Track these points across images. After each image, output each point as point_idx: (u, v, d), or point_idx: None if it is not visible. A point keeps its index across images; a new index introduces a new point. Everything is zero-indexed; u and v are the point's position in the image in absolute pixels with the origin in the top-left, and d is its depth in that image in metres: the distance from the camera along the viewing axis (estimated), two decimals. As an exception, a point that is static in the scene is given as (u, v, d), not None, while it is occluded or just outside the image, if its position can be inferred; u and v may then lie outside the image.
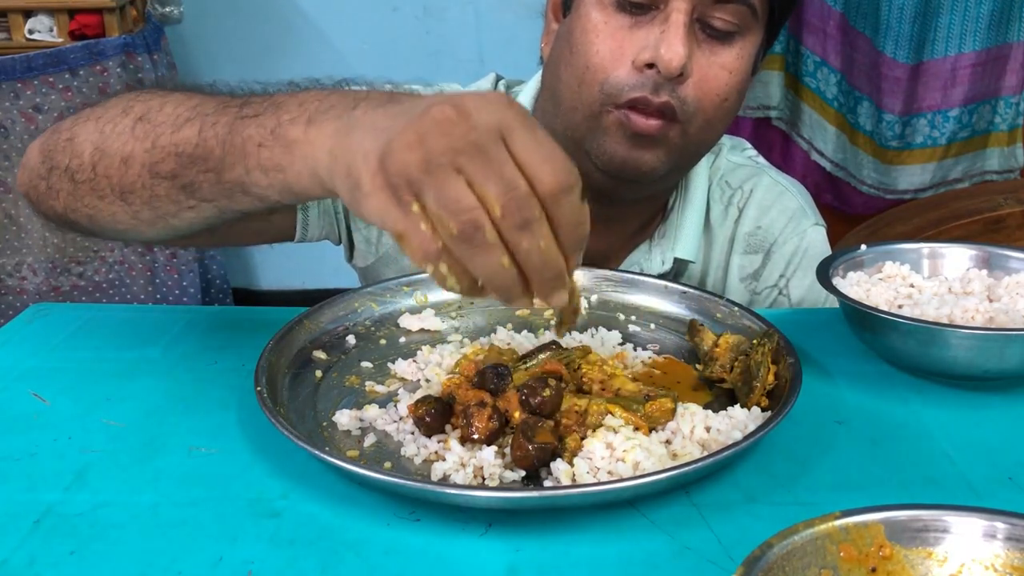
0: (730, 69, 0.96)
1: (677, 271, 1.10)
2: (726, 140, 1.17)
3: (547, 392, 0.73)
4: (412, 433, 0.75)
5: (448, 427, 0.74)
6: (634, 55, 0.93)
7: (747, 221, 1.12)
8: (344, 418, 0.77)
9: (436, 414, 0.74)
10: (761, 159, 1.17)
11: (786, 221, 1.11)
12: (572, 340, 0.88)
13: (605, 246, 1.09)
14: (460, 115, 0.57)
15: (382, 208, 0.59)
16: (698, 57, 0.94)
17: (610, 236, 1.09)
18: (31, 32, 2.49)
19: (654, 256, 1.09)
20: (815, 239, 1.12)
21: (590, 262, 1.00)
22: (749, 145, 1.19)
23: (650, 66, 0.92)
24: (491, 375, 0.75)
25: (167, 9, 2.64)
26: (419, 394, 0.79)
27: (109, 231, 0.84)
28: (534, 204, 0.57)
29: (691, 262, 1.10)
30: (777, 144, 2.75)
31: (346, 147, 0.62)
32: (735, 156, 1.15)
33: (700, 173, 1.11)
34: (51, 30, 2.50)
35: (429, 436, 0.73)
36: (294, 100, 0.69)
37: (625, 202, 1.05)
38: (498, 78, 1.16)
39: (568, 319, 0.68)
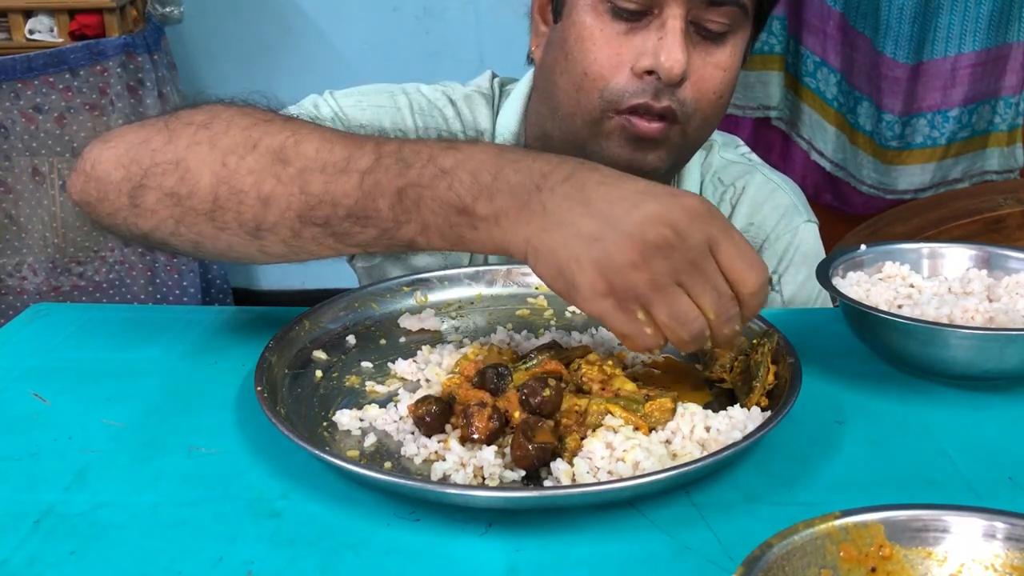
0: (724, 68, 0.97)
1: None
2: (718, 137, 1.17)
3: (547, 392, 0.73)
4: (412, 433, 0.75)
5: (448, 427, 0.74)
6: (632, 61, 0.94)
7: (739, 218, 1.12)
8: (344, 418, 0.77)
9: (436, 414, 0.74)
10: (754, 156, 1.18)
11: (778, 218, 1.12)
12: (572, 340, 0.88)
13: None
14: (677, 235, 0.66)
15: (606, 313, 0.68)
16: (694, 59, 0.95)
17: None
18: (31, 32, 2.49)
19: None
20: (807, 236, 1.12)
21: None
22: (741, 142, 1.20)
23: (649, 72, 0.93)
24: (491, 375, 0.75)
25: (167, 9, 2.64)
26: (419, 394, 0.79)
27: (213, 256, 0.83)
28: (735, 304, 0.70)
29: None
30: (777, 144, 2.75)
31: (549, 247, 0.69)
32: (727, 153, 1.15)
33: (692, 170, 1.11)
34: (51, 30, 2.50)
35: (429, 436, 0.73)
36: (463, 170, 0.72)
37: None
38: (493, 76, 1.17)
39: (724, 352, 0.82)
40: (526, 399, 0.73)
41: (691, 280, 0.68)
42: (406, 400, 0.78)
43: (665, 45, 0.92)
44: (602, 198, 0.69)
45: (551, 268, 0.69)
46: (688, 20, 0.93)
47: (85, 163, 0.83)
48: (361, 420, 0.77)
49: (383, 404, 0.79)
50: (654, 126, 0.95)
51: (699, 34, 0.95)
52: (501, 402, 0.74)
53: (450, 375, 0.80)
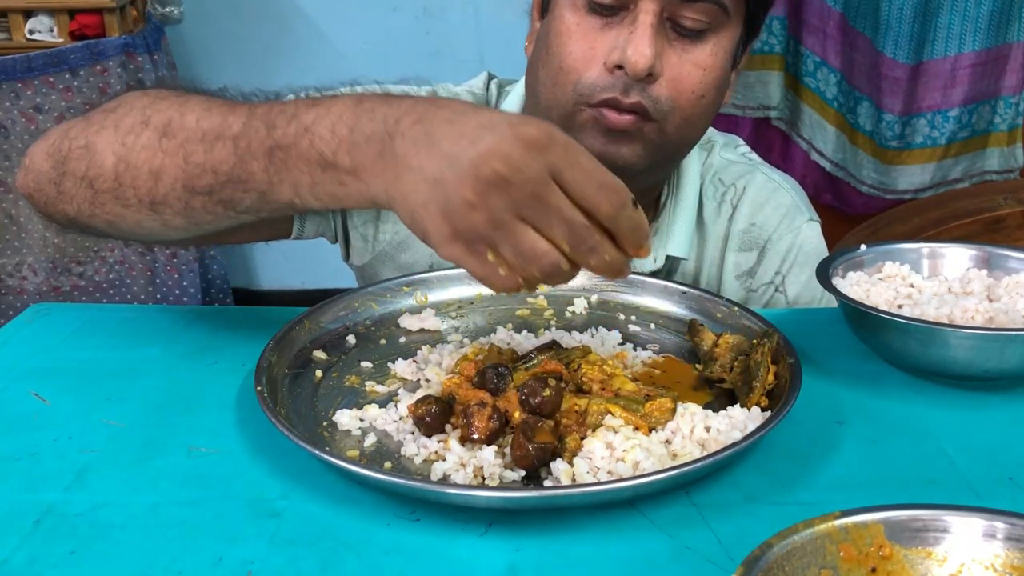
0: (704, 66, 0.96)
1: (670, 268, 1.10)
2: (719, 137, 1.17)
3: (547, 392, 0.73)
4: (412, 433, 0.75)
5: (448, 427, 0.74)
6: (605, 56, 0.94)
7: (741, 218, 1.12)
8: (344, 418, 0.77)
9: (436, 414, 0.74)
10: (754, 156, 1.17)
11: (780, 218, 1.11)
12: (572, 340, 0.88)
13: None
14: (511, 169, 0.63)
15: (456, 257, 0.65)
16: (669, 56, 0.94)
17: None
18: (31, 32, 2.49)
19: None
20: (810, 235, 1.12)
21: None
22: (742, 142, 1.19)
23: (620, 67, 0.93)
24: (491, 375, 0.75)
25: (167, 9, 2.64)
26: (419, 394, 0.79)
27: (129, 235, 0.86)
28: (594, 231, 0.65)
29: (683, 259, 1.10)
30: (777, 144, 2.75)
31: (402, 194, 0.66)
32: (728, 153, 1.15)
33: (692, 170, 1.11)
34: (51, 30, 2.50)
35: (429, 436, 0.73)
36: (323, 125, 0.71)
37: None
38: (490, 77, 1.17)
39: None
40: (526, 399, 0.73)
41: (533, 213, 0.64)
42: (406, 400, 0.78)
43: (633, 40, 0.92)
44: (446, 136, 0.66)
45: (407, 216, 0.67)
46: (664, 17, 0.93)
47: (25, 158, 0.88)
48: (361, 420, 0.77)
49: (383, 404, 0.79)
50: (624, 118, 0.94)
51: (676, 31, 0.95)
52: (501, 402, 0.74)
53: (450, 375, 0.80)
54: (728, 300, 0.91)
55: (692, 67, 0.95)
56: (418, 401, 0.75)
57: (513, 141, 0.63)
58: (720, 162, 1.14)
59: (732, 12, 0.96)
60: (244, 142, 0.74)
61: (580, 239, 0.65)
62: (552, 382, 0.74)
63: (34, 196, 0.88)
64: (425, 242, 0.67)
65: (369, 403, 0.79)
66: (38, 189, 0.86)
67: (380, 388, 0.82)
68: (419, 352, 0.87)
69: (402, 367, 0.85)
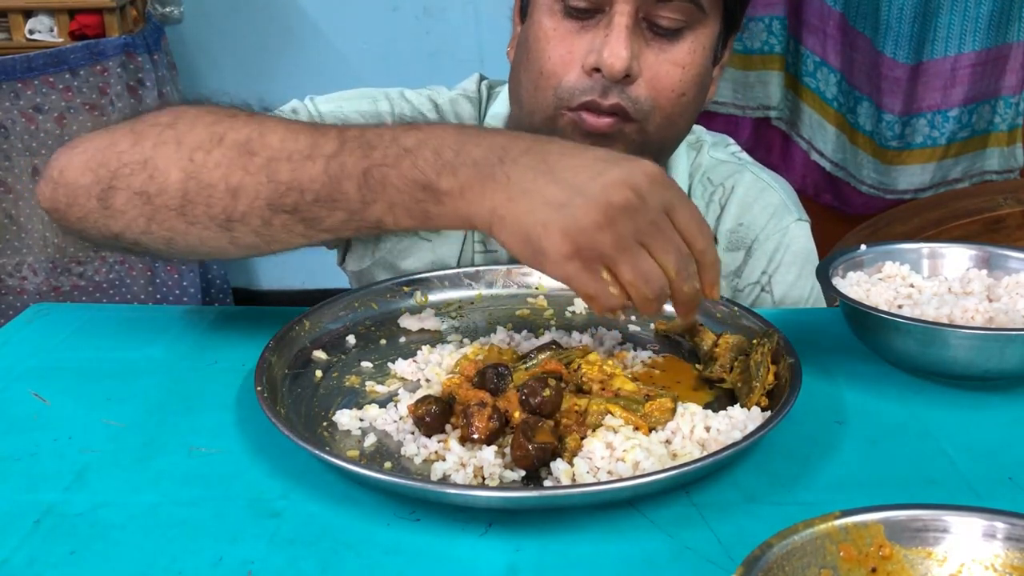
0: (683, 65, 0.96)
1: None
2: (708, 136, 1.17)
3: (547, 392, 0.73)
4: (412, 433, 0.75)
5: (448, 427, 0.74)
6: (582, 59, 0.94)
7: (729, 218, 1.11)
8: (344, 418, 0.77)
9: (436, 414, 0.74)
10: (744, 155, 1.17)
11: (768, 217, 1.11)
12: (572, 340, 0.88)
13: None
14: (639, 198, 0.69)
15: (572, 275, 0.70)
16: (647, 56, 0.94)
17: None
18: (31, 32, 2.49)
19: None
20: (797, 234, 1.11)
21: None
22: (732, 141, 1.19)
23: (597, 70, 0.93)
24: (491, 375, 0.75)
25: (167, 9, 2.64)
26: (419, 394, 0.79)
27: (186, 253, 0.84)
28: (692, 261, 0.73)
29: None
30: (777, 144, 2.75)
31: (515, 215, 0.71)
32: (717, 152, 1.15)
33: (680, 170, 1.11)
34: (51, 30, 2.50)
35: (429, 436, 0.73)
36: (427, 148, 0.74)
37: None
38: (481, 78, 1.16)
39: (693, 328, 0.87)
40: (526, 399, 0.73)
41: (652, 239, 0.70)
42: (406, 400, 0.78)
43: (609, 42, 0.92)
44: (565, 167, 0.71)
45: (517, 235, 0.71)
46: (640, 17, 0.93)
47: (52, 170, 0.85)
48: (361, 420, 0.77)
49: (383, 404, 0.79)
50: (603, 121, 0.95)
51: (652, 31, 0.94)
52: (501, 402, 0.74)
53: (450, 375, 0.80)
54: (728, 300, 0.91)
55: (671, 66, 0.95)
56: (418, 401, 0.75)
57: (640, 174, 0.70)
58: (709, 162, 1.14)
59: (708, 9, 0.96)
60: (337, 162, 0.76)
61: (683, 267, 0.72)
62: (552, 382, 0.74)
63: (65, 211, 0.85)
64: (533, 260, 0.71)
65: (369, 403, 0.79)
66: (71, 204, 0.84)
67: (380, 388, 0.82)
68: (419, 352, 0.87)
69: (402, 367, 0.85)
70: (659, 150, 1.01)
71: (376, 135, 0.76)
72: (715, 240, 0.76)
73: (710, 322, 0.90)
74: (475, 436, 0.71)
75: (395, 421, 0.76)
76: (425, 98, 1.12)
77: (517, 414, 0.73)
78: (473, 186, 0.72)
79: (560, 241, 0.69)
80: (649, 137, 0.97)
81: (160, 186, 0.79)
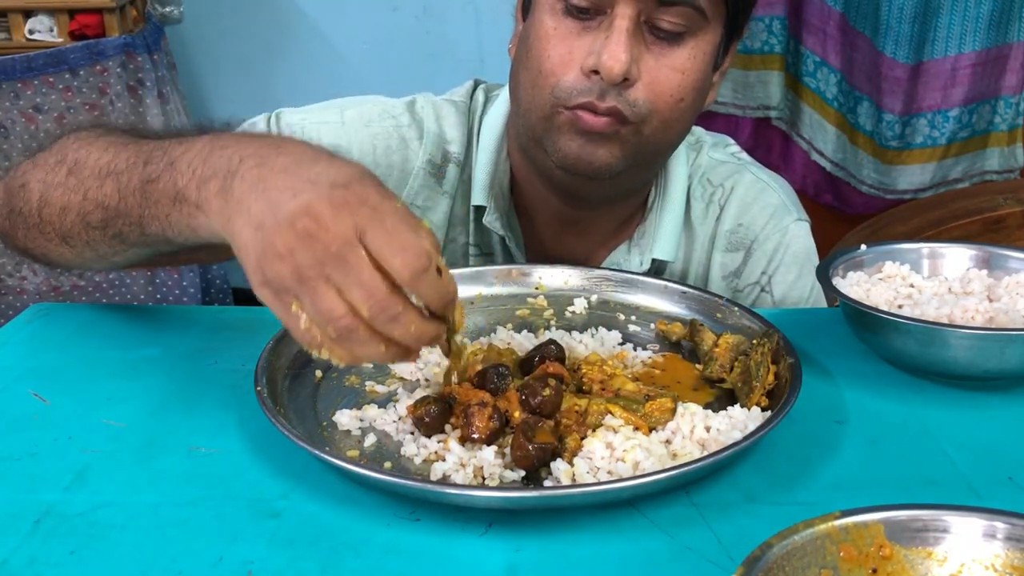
0: (682, 70, 0.95)
1: (657, 270, 1.09)
2: (707, 137, 1.17)
3: (547, 392, 0.73)
4: (412, 433, 0.75)
5: (448, 427, 0.74)
6: (582, 60, 0.94)
7: (728, 218, 1.11)
8: (344, 418, 0.77)
9: (436, 414, 0.74)
10: (744, 155, 1.17)
11: (767, 218, 1.11)
12: (572, 340, 0.88)
13: (583, 248, 1.09)
14: (320, 226, 0.64)
15: (267, 301, 0.68)
16: (647, 60, 0.94)
17: (587, 238, 1.09)
18: (31, 32, 2.49)
19: (632, 257, 1.09)
20: (797, 234, 1.11)
21: (570, 264, 1.00)
22: (732, 142, 1.19)
23: (596, 72, 0.92)
24: (491, 375, 0.75)
25: (167, 9, 2.64)
26: (418, 394, 0.79)
27: (61, 265, 0.92)
28: (396, 300, 0.64)
29: (669, 262, 1.09)
30: (777, 144, 2.75)
31: (231, 233, 0.69)
32: (716, 153, 1.15)
33: (679, 171, 1.11)
34: (51, 30, 2.50)
35: (429, 436, 0.73)
36: (184, 160, 0.74)
37: (596, 202, 1.05)
38: (476, 84, 1.16)
39: (453, 362, 0.76)
40: (526, 399, 0.73)
41: (336, 273, 0.64)
42: (406, 400, 0.78)
43: (608, 45, 0.91)
44: (275, 186, 0.67)
45: (237, 252, 0.69)
46: (641, 20, 0.93)
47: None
48: (361, 420, 0.77)
49: (383, 404, 0.79)
50: (599, 120, 0.94)
51: (653, 34, 0.94)
52: (501, 402, 0.74)
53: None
54: (728, 300, 0.91)
55: (670, 71, 0.94)
56: (417, 402, 0.75)
57: (327, 199, 0.65)
58: (708, 162, 1.14)
59: (710, 15, 0.95)
60: (125, 177, 0.78)
61: (379, 308, 0.64)
62: (552, 382, 0.74)
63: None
64: (248, 279, 0.69)
65: (369, 403, 0.79)
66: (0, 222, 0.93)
67: (380, 388, 0.82)
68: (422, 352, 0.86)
69: (402, 367, 0.84)
70: (654, 153, 1.00)
71: (158, 147, 0.77)
72: (436, 261, 0.66)
73: (710, 322, 0.90)
74: (475, 436, 0.71)
75: (395, 421, 0.76)
76: (402, 103, 1.11)
77: (517, 414, 0.73)
78: (209, 200, 0.71)
79: (254, 267, 0.67)
80: (645, 140, 0.96)
81: (28, 208, 0.86)
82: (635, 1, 0.91)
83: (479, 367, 0.79)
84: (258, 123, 1.08)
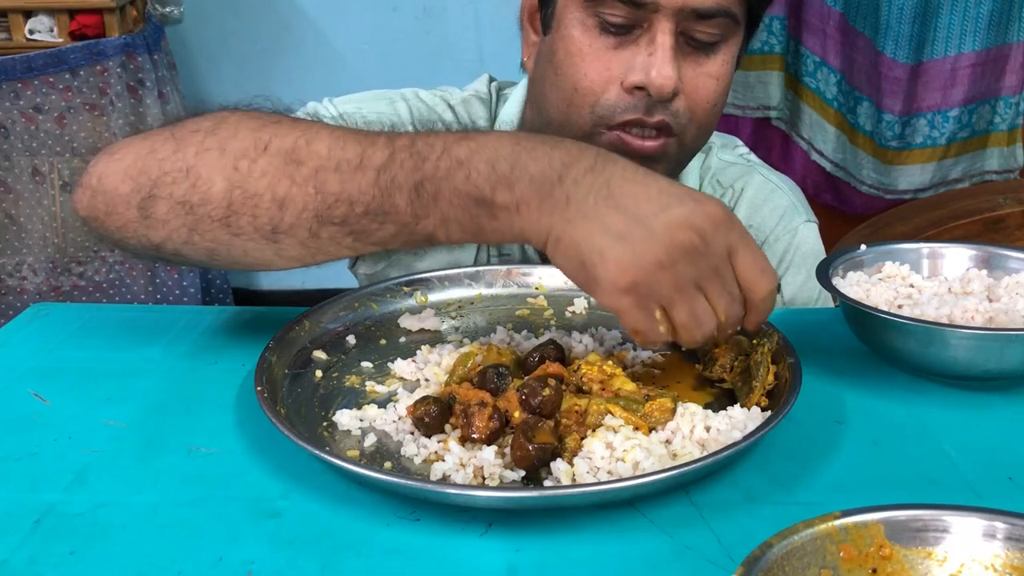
0: (717, 76, 0.96)
1: None
2: (716, 139, 1.17)
3: (547, 392, 0.73)
4: (412, 433, 0.75)
5: (448, 427, 0.74)
6: (622, 76, 0.93)
7: None
8: (344, 418, 0.77)
9: (436, 414, 0.74)
10: (752, 156, 1.17)
11: (777, 219, 1.11)
12: (572, 340, 0.88)
13: None
14: (703, 241, 0.69)
15: (624, 309, 0.70)
16: (686, 71, 0.94)
17: None
18: (31, 32, 2.49)
19: None
20: (806, 236, 1.11)
21: None
22: (740, 142, 1.19)
23: (640, 88, 0.92)
24: (491, 375, 0.75)
25: (167, 9, 2.64)
26: (418, 394, 0.79)
27: (229, 264, 0.81)
28: (742, 308, 0.73)
29: None
30: (777, 144, 2.75)
31: (573, 239, 0.70)
32: (726, 154, 1.15)
33: (691, 174, 1.11)
34: (51, 30, 2.50)
35: (429, 436, 0.73)
36: (479, 158, 0.72)
37: None
38: (490, 79, 1.16)
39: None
40: (526, 399, 0.73)
41: (710, 284, 0.70)
42: (406, 400, 0.78)
43: (655, 62, 0.91)
44: (628, 195, 0.70)
45: (573, 260, 0.70)
46: (678, 32, 0.92)
47: (91, 177, 0.81)
48: (361, 420, 0.77)
49: (383, 404, 0.79)
50: (649, 144, 0.94)
51: (689, 45, 0.94)
52: (501, 402, 0.74)
53: (459, 380, 0.80)
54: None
55: (707, 79, 0.95)
56: (417, 402, 0.75)
57: (705, 216, 0.69)
58: (718, 164, 1.14)
59: (740, 20, 0.96)
60: (388, 174, 0.73)
61: (733, 313, 0.72)
62: (552, 382, 0.74)
63: (104, 220, 0.81)
64: (585, 286, 0.71)
65: (369, 403, 0.79)
66: (111, 212, 0.80)
67: (380, 388, 0.82)
68: (419, 352, 0.87)
69: (402, 367, 0.84)
70: (688, 159, 1.02)
71: (427, 145, 0.74)
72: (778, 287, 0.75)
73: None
74: (475, 436, 0.71)
75: (394, 421, 0.76)
76: (439, 99, 1.11)
77: (517, 414, 0.73)
78: (530, 202, 0.71)
79: (617, 273, 0.68)
80: (686, 149, 0.98)
81: (203, 195, 0.76)
82: (674, 15, 0.91)
83: (479, 367, 0.79)
84: (305, 112, 1.06)
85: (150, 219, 0.79)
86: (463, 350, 0.85)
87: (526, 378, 0.77)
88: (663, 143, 0.95)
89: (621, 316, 0.71)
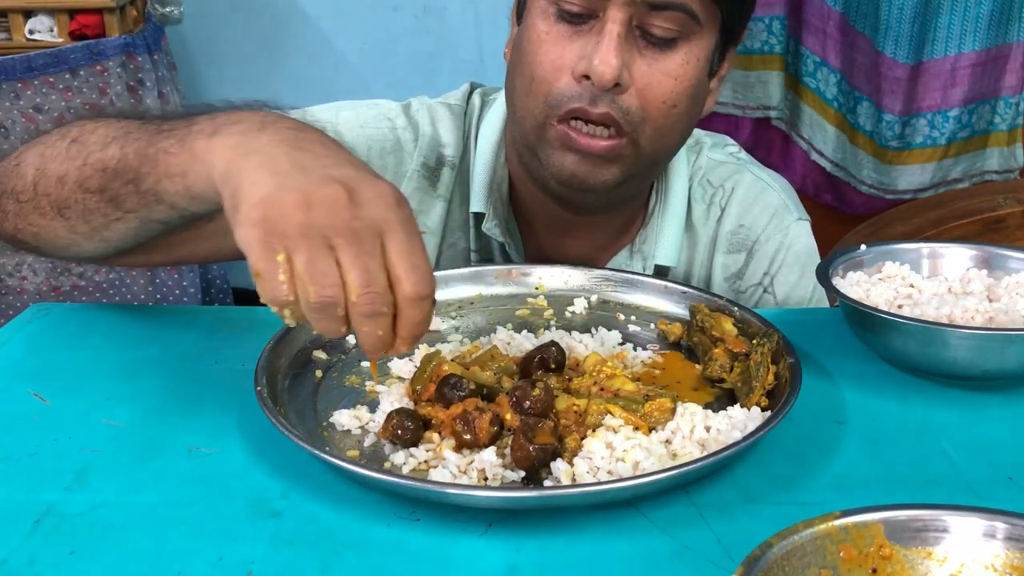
0: (675, 76, 0.93)
1: (659, 274, 1.09)
2: (707, 138, 1.16)
3: (537, 391, 0.73)
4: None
5: (436, 436, 0.74)
6: (572, 65, 0.92)
7: (729, 220, 1.11)
8: (344, 418, 0.76)
9: (411, 428, 0.73)
10: (743, 154, 1.16)
11: (768, 218, 1.11)
12: (572, 340, 0.88)
13: (583, 253, 1.08)
14: (351, 201, 0.63)
15: (249, 242, 0.64)
16: (639, 65, 0.92)
17: (587, 242, 1.08)
18: (31, 32, 2.49)
19: (635, 263, 1.08)
20: (798, 234, 1.11)
21: (570, 265, 1.00)
22: (731, 141, 1.18)
23: (587, 77, 0.91)
24: (447, 388, 0.75)
25: (167, 9, 2.64)
26: (384, 401, 0.78)
27: (51, 247, 0.89)
28: (386, 301, 0.64)
29: (672, 267, 1.09)
30: (777, 144, 2.75)
31: (240, 167, 0.67)
32: (716, 153, 1.14)
33: (680, 173, 1.10)
34: (51, 30, 2.50)
35: (407, 448, 0.73)
36: (209, 115, 0.74)
37: (593, 209, 1.03)
38: (473, 88, 1.15)
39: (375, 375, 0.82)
40: (517, 401, 0.73)
41: (345, 247, 0.63)
42: (388, 403, 0.78)
43: (599, 49, 0.90)
44: (310, 150, 0.68)
45: (229, 186, 0.67)
46: (633, 25, 0.91)
47: None
48: (360, 420, 0.77)
49: (373, 408, 0.78)
50: (597, 143, 0.93)
51: (645, 40, 0.92)
52: (492, 406, 0.74)
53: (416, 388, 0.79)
54: (728, 300, 0.91)
55: (662, 76, 0.93)
56: (387, 421, 0.74)
57: (369, 184, 0.65)
58: (708, 163, 1.13)
59: (704, 20, 0.93)
60: (133, 137, 0.78)
61: (369, 299, 0.63)
62: (541, 383, 0.74)
63: None
64: (229, 215, 0.66)
65: (369, 403, 0.79)
66: None
67: (380, 388, 0.82)
68: (418, 352, 0.86)
69: (402, 367, 0.84)
70: (652, 162, 0.99)
71: (187, 115, 0.76)
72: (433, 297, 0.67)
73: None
74: (475, 441, 0.71)
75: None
76: (398, 106, 1.11)
77: (509, 416, 0.73)
78: (226, 136, 0.70)
79: (254, 204, 0.64)
80: (642, 150, 0.95)
81: (22, 184, 0.86)
82: (626, 5, 0.90)
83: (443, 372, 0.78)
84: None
85: (3, 211, 0.89)
86: (463, 349, 0.85)
87: (516, 381, 0.77)
88: (614, 144, 0.93)
89: (247, 253, 0.64)
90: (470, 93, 1.14)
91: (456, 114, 1.11)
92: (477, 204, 1.06)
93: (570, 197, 0.99)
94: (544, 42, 0.94)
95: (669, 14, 0.91)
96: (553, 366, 0.80)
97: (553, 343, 0.83)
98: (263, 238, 0.63)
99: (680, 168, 1.10)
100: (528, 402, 0.72)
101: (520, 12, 1.01)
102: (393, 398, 0.79)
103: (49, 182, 0.83)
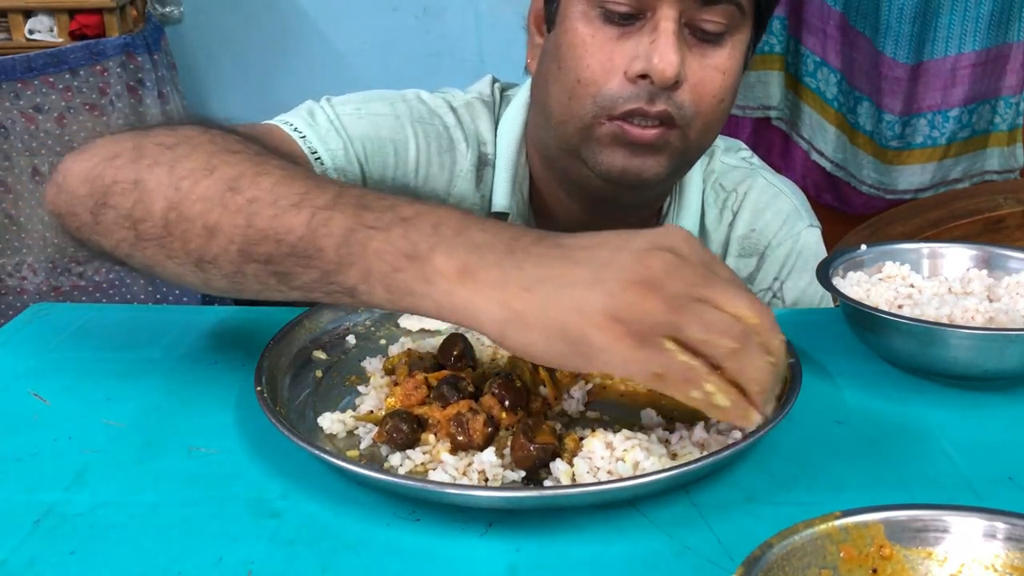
0: (723, 70, 0.95)
1: None
2: (720, 142, 1.16)
3: (518, 383, 0.74)
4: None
5: (432, 438, 0.73)
6: (625, 66, 0.92)
7: (741, 224, 1.11)
8: (326, 422, 0.76)
9: (407, 431, 0.72)
10: (756, 159, 1.17)
11: (780, 223, 1.11)
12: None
13: None
14: (678, 256, 0.61)
15: (629, 356, 0.59)
16: (690, 62, 0.93)
17: None
18: (31, 32, 2.49)
19: None
20: (809, 241, 1.11)
21: None
22: (744, 146, 1.19)
23: (643, 76, 0.92)
24: (446, 388, 0.75)
25: (167, 9, 2.64)
26: (365, 406, 0.78)
27: (168, 282, 0.79)
28: (762, 305, 0.62)
29: None
30: (777, 144, 2.75)
31: (537, 306, 0.61)
32: (729, 158, 1.14)
33: (694, 177, 1.10)
34: (51, 30, 2.50)
35: (404, 451, 0.73)
36: (424, 219, 0.65)
37: (620, 207, 1.04)
38: (494, 81, 1.16)
39: None
40: (501, 394, 0.73)
41: (712, 292, 0.60)
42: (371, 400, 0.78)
43: (658, 47, 0.90)
44: (582, 247, 0.63)
45: (547, 331, 0.61)
46: (682, 22, 0.92)
47: (59, 174, 0.80)
48: (347, 425, 0.76)
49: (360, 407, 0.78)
50: (648, 132, 0.93)
51: (695, 36, 0.93)
52: (484, 406, 0.74)
53: (390, 397, 0.78)
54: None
55: (713, 71, 0.94)
56: (381, 425, 0.73)
57: (667, 235, 0.63)
58: (721, 167, 1.13)
59: (747, 11, 0.95)
60: (323, 216, 0.67)
61: (764, 314, 0.61)
62: (519, 381, 0.75)
63: (65, 218, 0.81)
64: (573, 356, 0.61)
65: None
66: (71, 212, 0.79)
67: (362, 389, 0.82)
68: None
69: (378, 366, 0.84)
70: (694, 157, 1.01)
71: (376, 198, 0.68)
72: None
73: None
74: (470, 443, 0.71)
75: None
76: (441, 100, 1.10)
77: (504, 416, 0.73)
78: (475, 271, 0.62)
79: (605, 323, 0.59)
80: (690, 144, 0.96)
81: (145, 212, 0.74)
82: (678, 2, 0.90)
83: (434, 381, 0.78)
84: (301, 111, 1.04)
85: (100, 225, 0.77)
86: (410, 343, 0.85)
87: (492, 378, 0.76)
88: (664, 132, 0.94)
89: (632, 371, 0.60)
90: (491, 85, 1.14)
91: (488, 108, 1.11)
92: (500, 203, 1.06)
93: (613, 194, 0.99)
94: (589, 45, 0.93)
95: (720, 8, 0.92)
96: (456, 356, 0.80)
97: (459, 335, 0.82)
98: (640, 344, 0.59)
99: (695, 171, 1.10)
100: (512, 398, 0.73)
101: (550, 20, 1.00)
102: (372, 399, 0.79)
103: (190, 227, 0.71)
